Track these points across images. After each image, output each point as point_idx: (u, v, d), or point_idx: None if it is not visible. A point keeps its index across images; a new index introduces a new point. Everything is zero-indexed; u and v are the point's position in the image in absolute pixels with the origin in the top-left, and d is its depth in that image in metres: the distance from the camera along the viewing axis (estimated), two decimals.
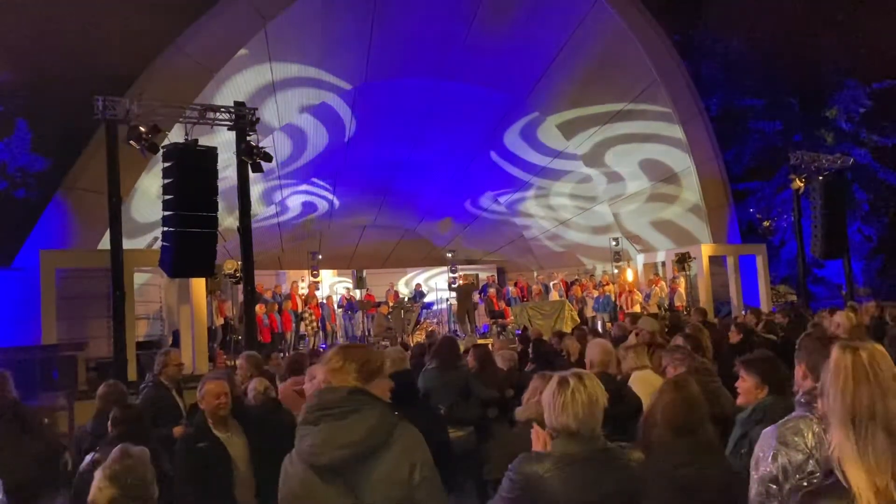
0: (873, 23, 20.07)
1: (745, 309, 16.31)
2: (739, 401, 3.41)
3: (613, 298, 18.67)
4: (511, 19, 15.78)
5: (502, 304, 19.57)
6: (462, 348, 6.90)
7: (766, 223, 19.64)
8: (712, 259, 18.34)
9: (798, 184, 17.54)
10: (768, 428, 2.36)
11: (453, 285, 20.02)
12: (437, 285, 23.17)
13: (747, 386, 3.37)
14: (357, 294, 19.33)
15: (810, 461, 2.14)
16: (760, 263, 18.94)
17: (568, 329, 14.04)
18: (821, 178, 17.53)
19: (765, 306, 17.40)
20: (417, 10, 14.94)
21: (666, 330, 8.65)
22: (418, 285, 22.03)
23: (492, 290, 20.21)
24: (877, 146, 21.89)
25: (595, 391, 2.54)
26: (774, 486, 2.20)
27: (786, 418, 2.35)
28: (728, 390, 4.41)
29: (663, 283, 18.77)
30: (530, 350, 7.96)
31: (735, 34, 20.28)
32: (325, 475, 2.32)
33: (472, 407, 5.55)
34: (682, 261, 17.68)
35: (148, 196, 13.51)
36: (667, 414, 3.10)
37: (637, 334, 6.91)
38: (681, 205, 19.28)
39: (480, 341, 12.03)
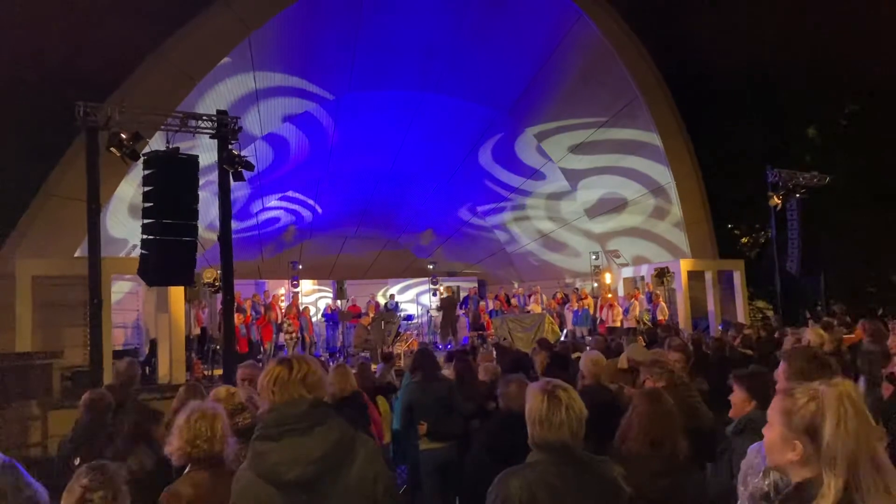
0: (851, 45, 20.44)
1: (724, 324, 16.45)
2: (731, 413, 3.46)
3: (592, 312, 18.74)
4: (496, 33, 15.86)
5: (486, 317, 19.58)
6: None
7: (744, 239, 19.81)
8: (692, 274, 18.46)
9: (776, 201, 17.77)
10: (755, 444, 2.35)
11: (440, 296, 20.02)
12: (418, 298, 23.12)
13: (736, 399, 3.40)
14: (340, 304, 19.24)
15: None
16: (738, 279, 19.10)
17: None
18: (798, 195, 17.78)
19: (742, 321, 17.50)
20: (402, 22, 14.98)
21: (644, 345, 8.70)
22: (392, 296, 21.99)
23: (482, 304, 20.22)
24: (853, 165, 22.22)
25: (581, 403, 2.51)
26: (765, 503, 2.19)
27: None
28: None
29: (642, 297, 18.86)
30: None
31: (717, 52, 20.54)
32: (290, 492, 2.21)
33: (455, 420, 5.48)
34: (661, 275, 17.77)
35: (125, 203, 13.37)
36: (643, 426, 3.11)
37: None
38: (661, 220, 19.40)
39: None
